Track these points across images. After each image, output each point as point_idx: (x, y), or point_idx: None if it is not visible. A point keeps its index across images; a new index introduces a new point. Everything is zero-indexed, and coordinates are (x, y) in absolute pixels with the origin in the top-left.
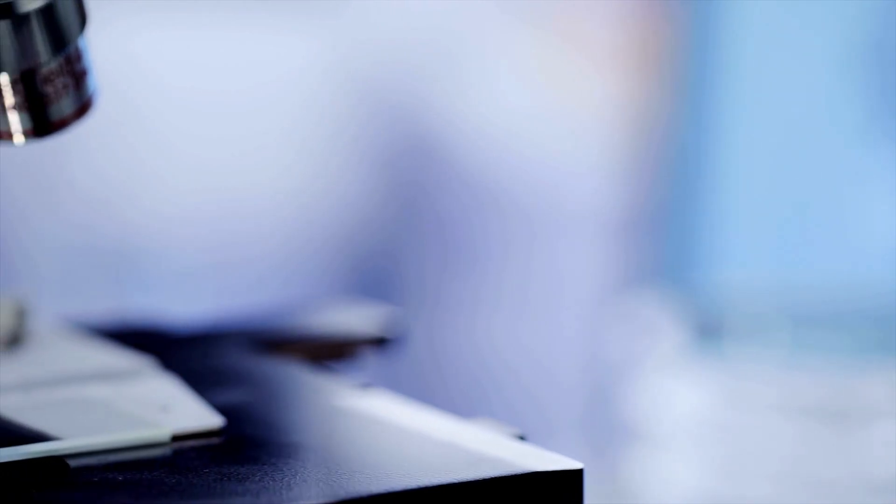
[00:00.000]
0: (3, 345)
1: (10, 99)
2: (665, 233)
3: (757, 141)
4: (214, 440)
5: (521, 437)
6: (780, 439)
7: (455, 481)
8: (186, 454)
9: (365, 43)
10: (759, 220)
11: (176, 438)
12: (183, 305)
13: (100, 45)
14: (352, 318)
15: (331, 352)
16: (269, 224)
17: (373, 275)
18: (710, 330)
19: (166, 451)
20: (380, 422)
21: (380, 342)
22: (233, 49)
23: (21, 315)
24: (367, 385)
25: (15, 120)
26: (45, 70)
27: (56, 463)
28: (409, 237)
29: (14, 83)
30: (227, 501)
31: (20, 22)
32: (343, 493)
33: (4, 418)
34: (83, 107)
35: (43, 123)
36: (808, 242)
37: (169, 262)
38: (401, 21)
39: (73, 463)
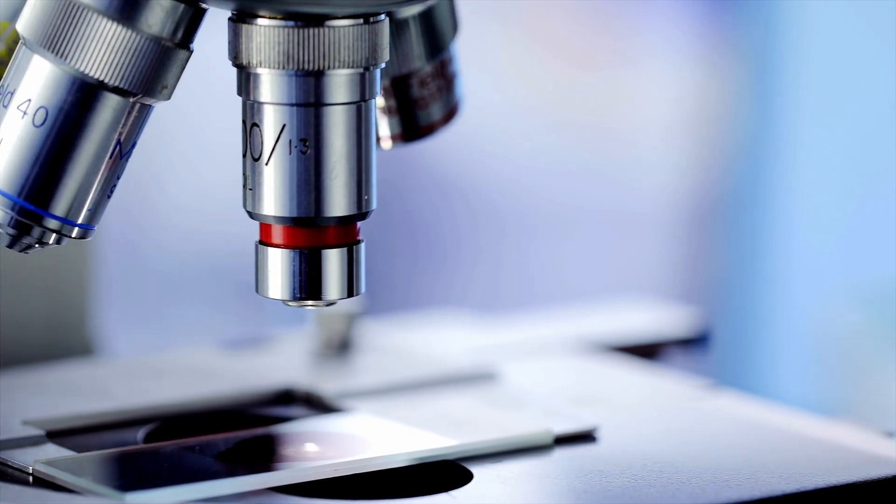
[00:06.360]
0: (335, 350)
1: (383, 103)
2: (659, 234)
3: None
4: (592, 442)
5: (890, 434)
6: None
7: (857, 480)
8: (574, 457)
9: None
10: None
11: (556, 441)
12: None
13: None
14: (657, 318)
15: (638, 353)
16: (238, 221)
17: None
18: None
19: (553, 453)
20: (750, 423)
21: (686, 343)
22: (200, 47)
23: (351, 320)
24: (712, 385)
25: (384, 125)
26: (421, 74)
27: (450, 465)
28: (380, 236)
29: (389, 87)
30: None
31: (400, 27)
32: (758, 494)
33: (380, 424)
34: (450, 111)
35: (412, 128)
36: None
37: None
38: None
39: (465, 465)
